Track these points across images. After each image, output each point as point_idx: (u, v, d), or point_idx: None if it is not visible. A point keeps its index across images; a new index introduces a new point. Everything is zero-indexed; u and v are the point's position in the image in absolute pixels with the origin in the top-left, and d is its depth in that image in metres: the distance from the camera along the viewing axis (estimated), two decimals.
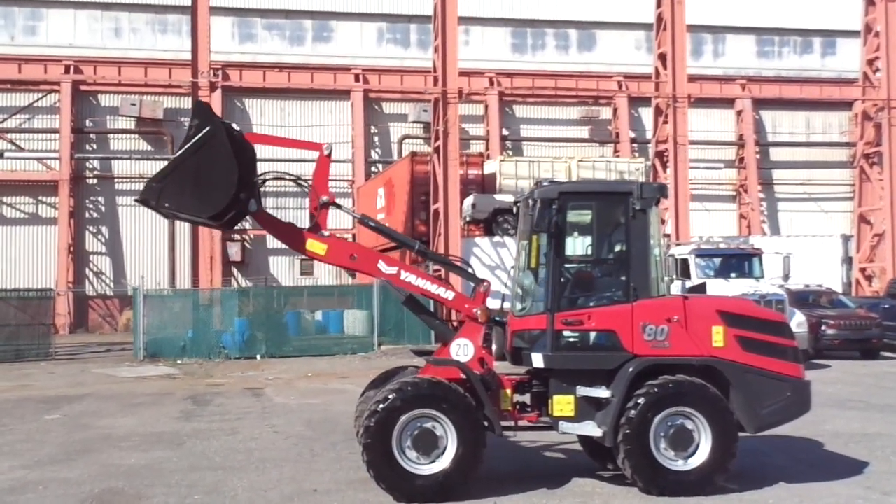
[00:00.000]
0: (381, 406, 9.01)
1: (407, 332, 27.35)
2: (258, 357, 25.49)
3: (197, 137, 9.22)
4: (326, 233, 9.85)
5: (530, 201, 9.87)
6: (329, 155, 9.98)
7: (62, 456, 11.79)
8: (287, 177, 10.11)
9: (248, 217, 9.91)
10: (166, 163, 9.98)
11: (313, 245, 9.76)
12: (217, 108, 33.00)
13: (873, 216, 37.35)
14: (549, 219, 9.54)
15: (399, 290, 9.93)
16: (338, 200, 10.02)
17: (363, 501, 9.21)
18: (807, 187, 44.56)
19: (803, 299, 25.15)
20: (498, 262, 25.68)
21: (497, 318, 10.15)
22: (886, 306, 27.01)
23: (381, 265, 9.88)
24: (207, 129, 9.25)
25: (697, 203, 40.09)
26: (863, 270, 36.43)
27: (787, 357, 9.72)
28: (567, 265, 9.93)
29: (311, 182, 9.90)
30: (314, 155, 9.97)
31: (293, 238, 9.91)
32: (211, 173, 9.22)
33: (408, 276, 9.85)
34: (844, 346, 24.50)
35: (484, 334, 9.71)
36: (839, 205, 44.39)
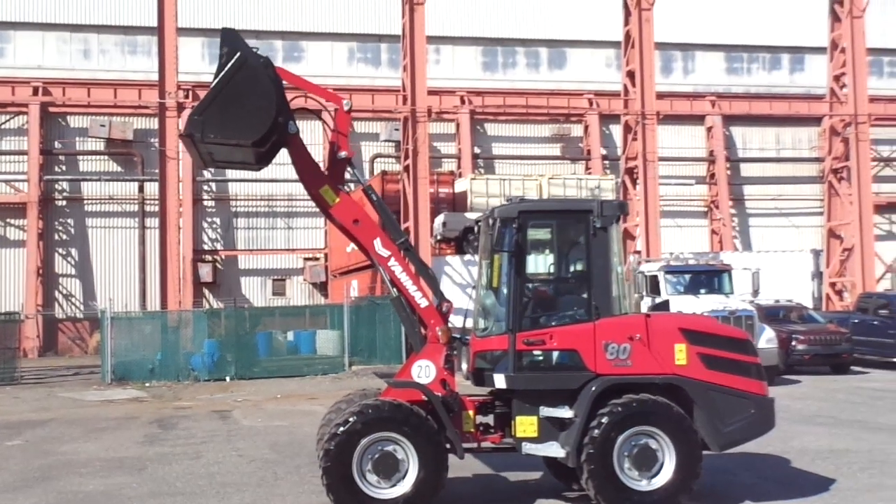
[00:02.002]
0: (342, 429, 8.88)
1: (378, 352, 27.20)
2: (228, 379, 25.19)
3: (230, 64, 9.21)
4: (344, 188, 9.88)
5: (490, 220, 9.82)
6: (349, 111, 10.00)
7: (19, 483, 11.54)
8: (311, 109, 10.10)
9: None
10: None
11: (328, 192, 9.76)
12: None
13: (843, 231, 37.56)
14: (510, 238, 9.49)
15: (391, 285, 9.80)
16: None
17: None
18: (777, 202, 44.85)
19: (773, 315, 25.17)
20: (469, 281, 25.59)
21: (458, 336, 10.04)
22: (856, 321, 27.15)
23: (378, 243, 9.77)
24: (238, 54, 9.24)
25: (669, 219, 40.26)
26: (833, 285, 36.60)
27: (750, 374, 9.70)
28: (528, 284, 9.86)
29: (334, 128, 9.92)
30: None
31: (314, 178, 9.87)
32: (250, 97, 9.20)
33: (395, 266, 9.72)
34: (815, 361, 24.47)
35: (445, 355, 9.58)
36: (809, 220, 44.68)
